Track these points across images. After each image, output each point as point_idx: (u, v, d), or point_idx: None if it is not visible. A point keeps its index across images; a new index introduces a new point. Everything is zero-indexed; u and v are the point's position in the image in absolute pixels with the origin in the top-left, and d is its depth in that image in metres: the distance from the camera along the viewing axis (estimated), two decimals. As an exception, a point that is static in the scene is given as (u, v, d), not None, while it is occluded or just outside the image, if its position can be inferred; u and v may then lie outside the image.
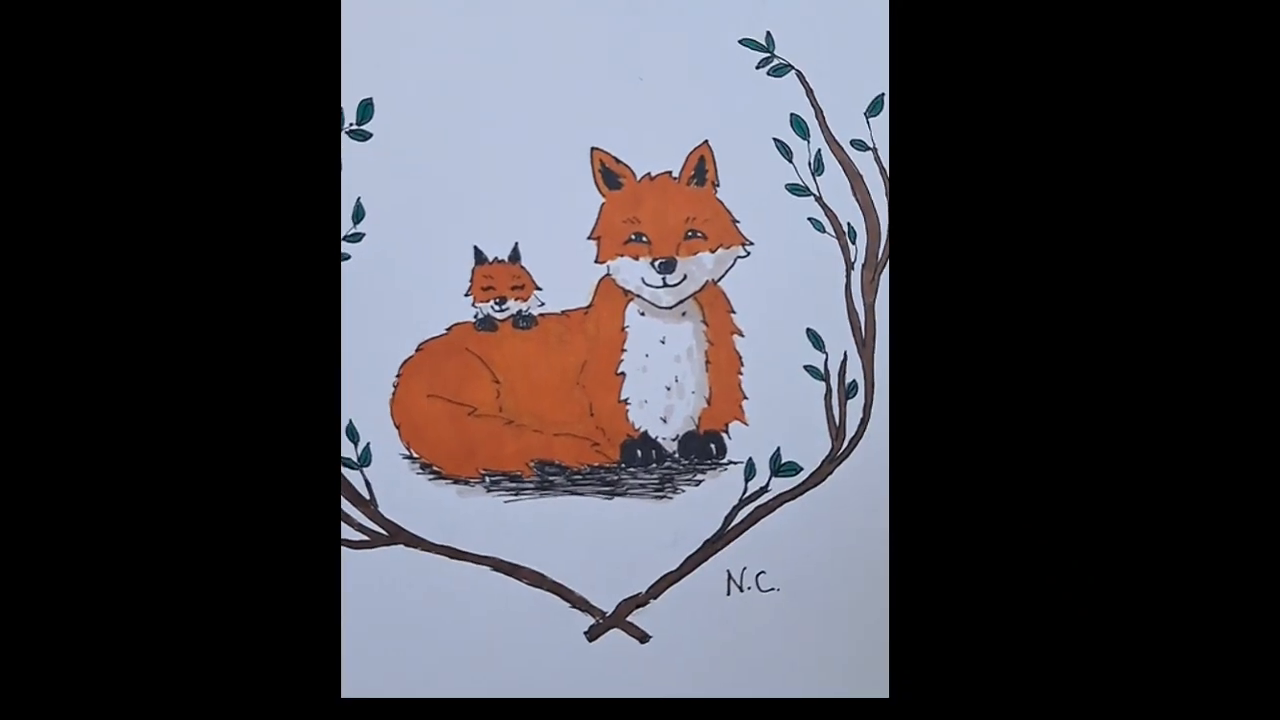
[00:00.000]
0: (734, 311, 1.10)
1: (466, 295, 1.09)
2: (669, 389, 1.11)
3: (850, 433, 1.11)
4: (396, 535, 1.10)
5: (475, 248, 1.08)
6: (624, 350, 1.10)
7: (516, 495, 1.10)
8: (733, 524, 1.12)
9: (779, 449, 1.12)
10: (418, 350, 1.09)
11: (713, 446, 1.11)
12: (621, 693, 1.10)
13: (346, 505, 1.07)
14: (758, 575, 1.11)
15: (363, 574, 1.07)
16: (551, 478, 1.10)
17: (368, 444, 1.08)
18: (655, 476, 1.10)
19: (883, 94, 1.06)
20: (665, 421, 1.11)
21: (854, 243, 1.08)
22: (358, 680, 1.07)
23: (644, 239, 1.07)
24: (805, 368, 1.11)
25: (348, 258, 1.05)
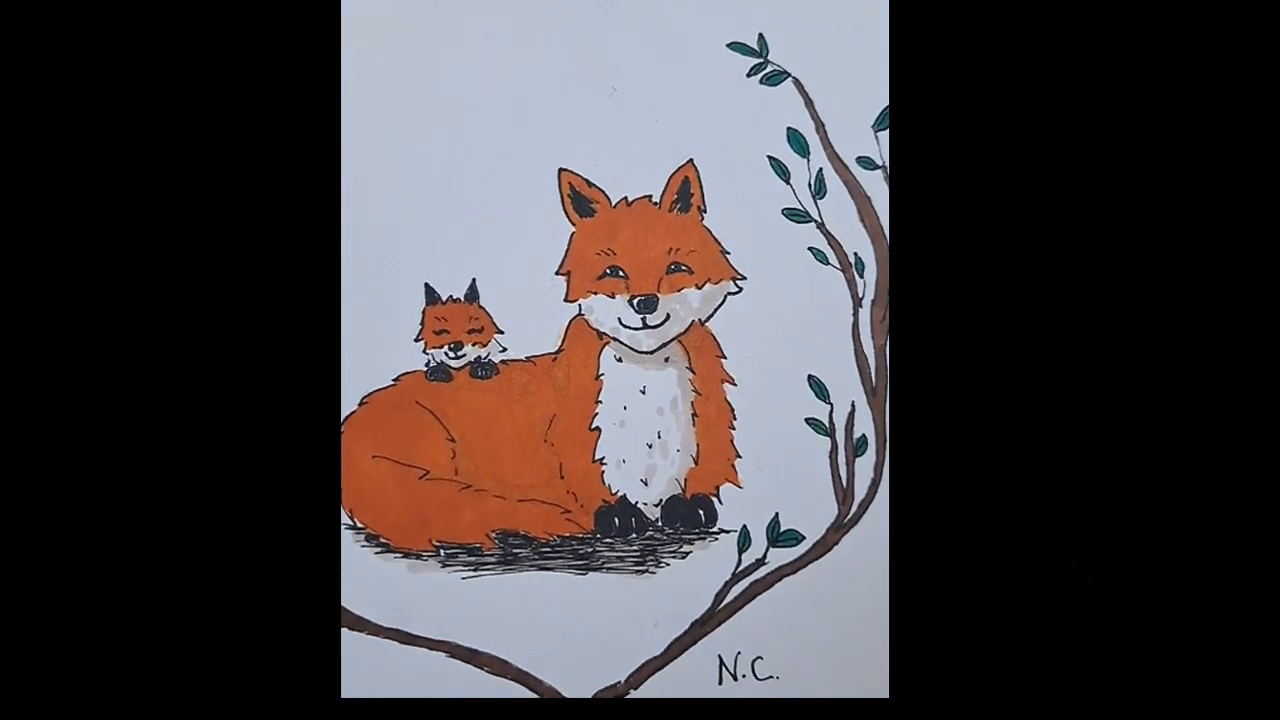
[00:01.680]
0: (724, 356, 1.02)
1: (416, 340, 1.02)
2: (650, 446, 1.03)
3: (859, 496, 1.03)
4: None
5: (426, 285, 1.01)
6: (598, 402, 1.02)
7: (476, 570, 1.02)
8: (724, 602, 1.03)
9: (777, 515, 1.03)
10: (361, 404, 1.02)
11: (701, 513, 1.03)
12: (599, 798, 1.02)
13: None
14: (753, 661, 1.03)
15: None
16: (516, 550, 1.03)
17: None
18: (635, 548, 1.03)
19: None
20: (646, 484, 1.04)
21: (862, 276, 1.01)
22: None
23: (620, 273, 1.00)
24: (807, 421, 1.02)
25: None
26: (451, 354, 1.02)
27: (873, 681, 0.99)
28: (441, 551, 1.03)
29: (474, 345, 1.02)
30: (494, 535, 1.03)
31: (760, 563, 1.03)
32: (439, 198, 1.00)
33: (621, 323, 1.01)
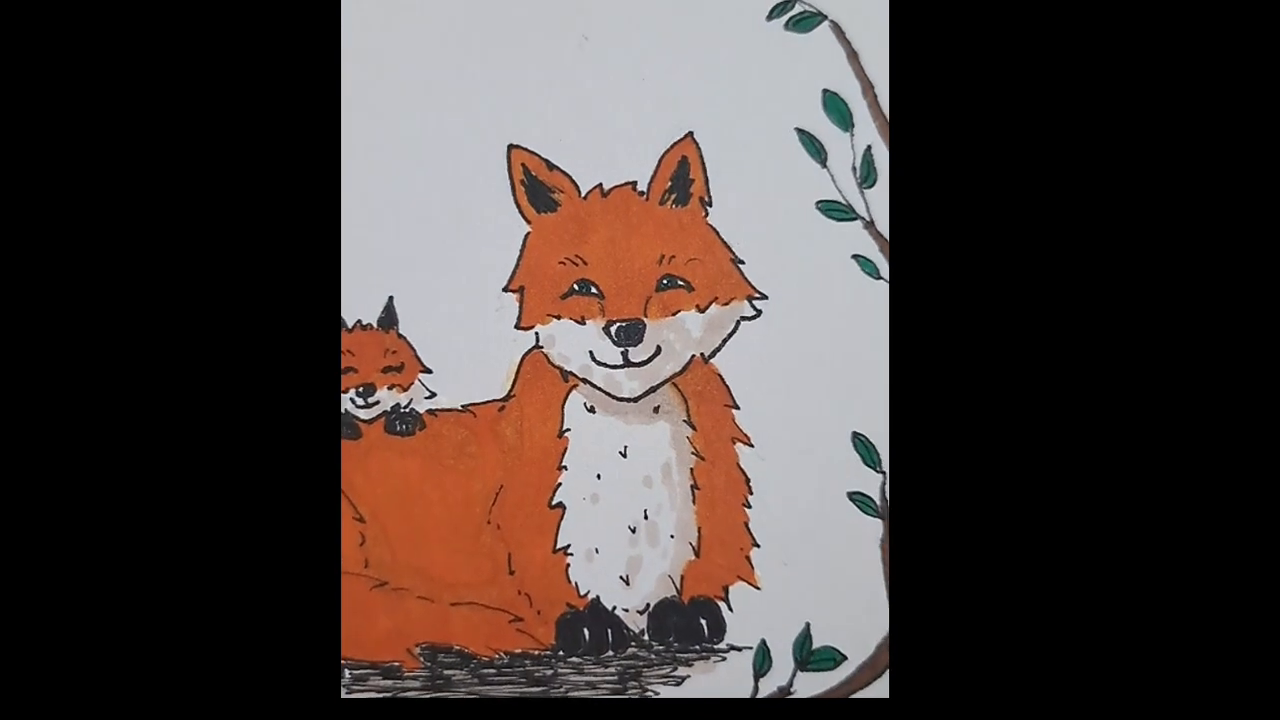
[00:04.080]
0: (736, 406, 0.93)
1: None
2: (634, 531, 0.94)
3: (924, 599, 0.96)
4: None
5: None
6: (562, 468, 0.94)
7: (394, 698, 0.92)
8: (738, 745, 0.93)
9: (808, 626, 0.92)
10: (237, 469, 0.95)
11: (704, 622, 0.94)
12: None
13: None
14: (775, 828, 0.92)
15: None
16: (449, 672, 0.92)
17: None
18: (612, 670, 0.93)
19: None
20: (628, 583, 0.94)
21: (927, 294, 0.96)
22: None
23: (593, 290, 0.92)
24: (851, 496, 0.93)
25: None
26: (360, 400, 0.94)
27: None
28: (348, 671, 0.93)
29: (390, 389, 0.94)
30: (418, 651, 0.93)
31: (785, 692, 0.93)
32: (344, 186, 0.92)
33: (594, 358, 0.92)
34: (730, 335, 0.93)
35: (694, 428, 0.93)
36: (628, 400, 0.93)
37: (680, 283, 0.91)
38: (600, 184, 0.92)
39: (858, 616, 0.92)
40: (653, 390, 0.93)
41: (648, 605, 0.94)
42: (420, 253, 0.93)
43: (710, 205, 0.92)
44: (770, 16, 0.91)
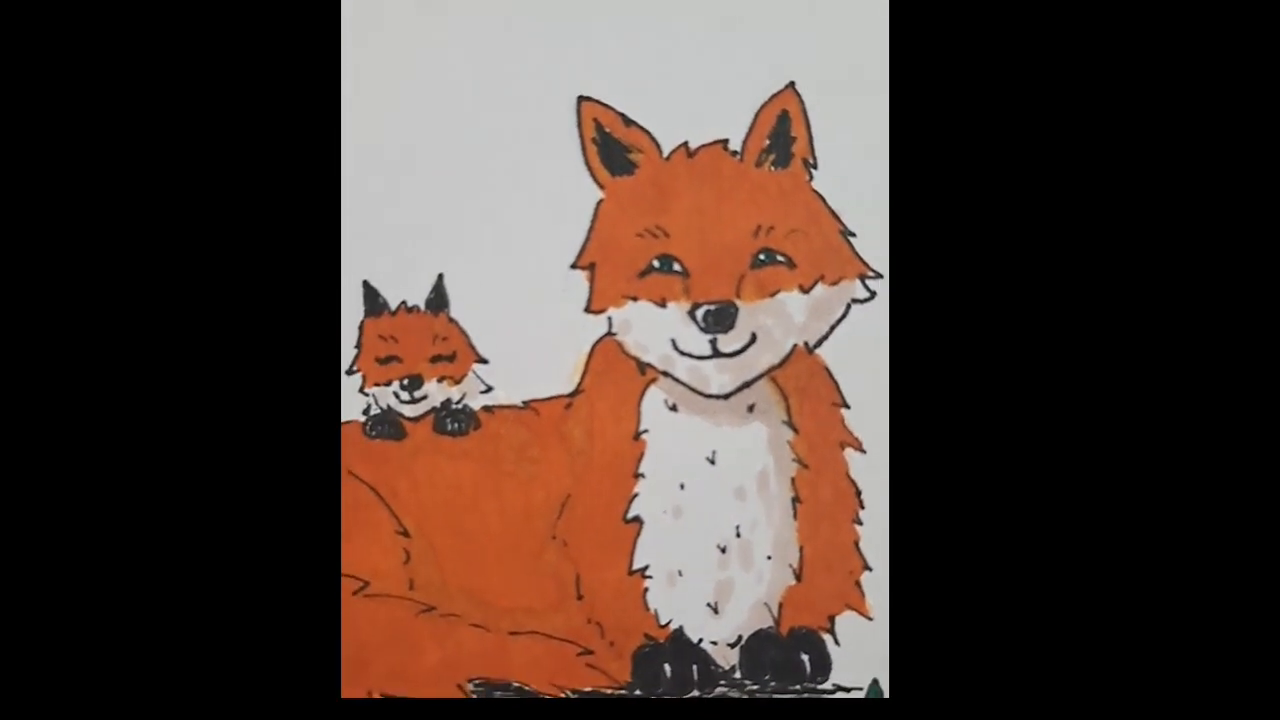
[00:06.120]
0: (846, 405, 0.87)
1: (350, 372, 0.88)
2: (724, 551, 0.87)
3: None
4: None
5: (365, 284, 0.88)
6: (639, 476, 0.88)
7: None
8: (845, 801, 0.87)
9: None
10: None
11: (805, 659, 0.88)
12: None
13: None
14: None
15: None
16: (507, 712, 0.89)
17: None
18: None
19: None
20: (717, 611, 0.88)
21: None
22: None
23: (677, 267, 0.86)
24: None
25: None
26: (405, 395, 0.87)
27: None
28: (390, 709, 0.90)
29: (440, 381, 0.87)
30: (472, 686, 0.88)
31: (901, 742, 0.87)
32: (387, 146, 0.87)
33: (677, 347, 0.86)
34: (839, 321, 0.86)
35: (795, 430, 0.87)
36: (717, 397, 0.86)
37: (780, 258, 0.85)
38: (685, 143, 0.86)
39: (987, 653, 0.86)
40: (746, 386, 0.86)
41: (740, 638, 0.88)
42: (475, 224, 0.86)
43: (815, 168, 0.85)
44: (888, -62, 0.84)
